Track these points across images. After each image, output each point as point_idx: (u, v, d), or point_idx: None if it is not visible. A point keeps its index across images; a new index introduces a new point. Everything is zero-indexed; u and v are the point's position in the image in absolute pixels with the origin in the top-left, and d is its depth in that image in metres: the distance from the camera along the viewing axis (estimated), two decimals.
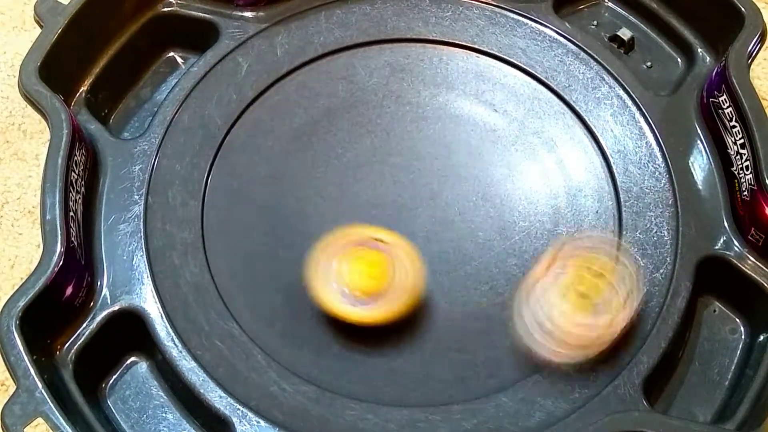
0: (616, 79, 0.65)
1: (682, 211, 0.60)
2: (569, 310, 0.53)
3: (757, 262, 0.58)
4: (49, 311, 0.55)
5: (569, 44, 0.67)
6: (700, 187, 0.62)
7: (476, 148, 0.64)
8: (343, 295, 0.56)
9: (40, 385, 0.51)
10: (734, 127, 0.60)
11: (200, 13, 0.68)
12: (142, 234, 0.60)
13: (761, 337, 0.59)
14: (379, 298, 0.56)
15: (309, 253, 0.57)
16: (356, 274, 0.56)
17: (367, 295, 0.56)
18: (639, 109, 0.64)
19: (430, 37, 0.68)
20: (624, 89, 0.65)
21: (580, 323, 0.53)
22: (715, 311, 0.60)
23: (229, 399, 0.55)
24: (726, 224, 0.60)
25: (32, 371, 0.52)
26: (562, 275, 0.54)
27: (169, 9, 0.68)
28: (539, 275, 0.55)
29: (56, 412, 0.51)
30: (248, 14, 0.68)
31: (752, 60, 0.62)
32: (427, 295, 0.59)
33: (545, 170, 0.63)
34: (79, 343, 0.56)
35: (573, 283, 0.54)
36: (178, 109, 0.64)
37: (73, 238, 0.57)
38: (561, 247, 0.55)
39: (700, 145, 0.63)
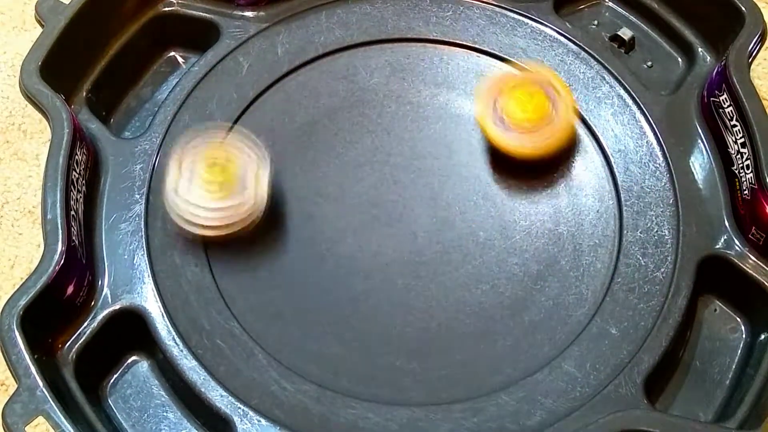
0: (616, 78, 0.65)
1: (683, 211, 0.60)
2: (207, 198, 0.58)
3: (758, 261, 0.58)
4: (50, 310, 0.55)
5: (570, 44, 0.67)
6: (701, 186, 0.62)
7: (477, 148, 0.64)
8: (501, 122, 0.60)
9: (41, 383, 0.51)
10: (735, 126, 0.60)
11: (201, 13, 0.68)
12: (143, 233, 0.60)
13: (762, 337, 0.59)
14: (534, 131, 0.60)
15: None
16: (516, 104, 0.60)
17: (521, 125, 0.60)
18: (639, 108, 0.64)
19: (431, 37, 0.68)
20: (624, 89, 0.65)
21: (218, 207, 0.58)
22: (715, 310, 0.60)
23: (230, 398, 0.55)
24: (727, 223, 0.60)
25: (33, 370, 0.52)
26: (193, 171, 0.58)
27: (169, 8, 0.68)
28: (176, 177, 0.58)
29: (57, 411, 0.51)
30: (249, 14, 0.68)
31: (753, 59, 0.62)
32: (428, 294, 0.59)
33: (546, 169, 0.63)
34: (80, 342, 0.56)
35: (203, 174, 0.58)
36: (179, 109, 0.64)
37: (74, 237, 0.57)
38: (182, 152, 0.59)
39: (701, 145, 0.63)
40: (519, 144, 0.61)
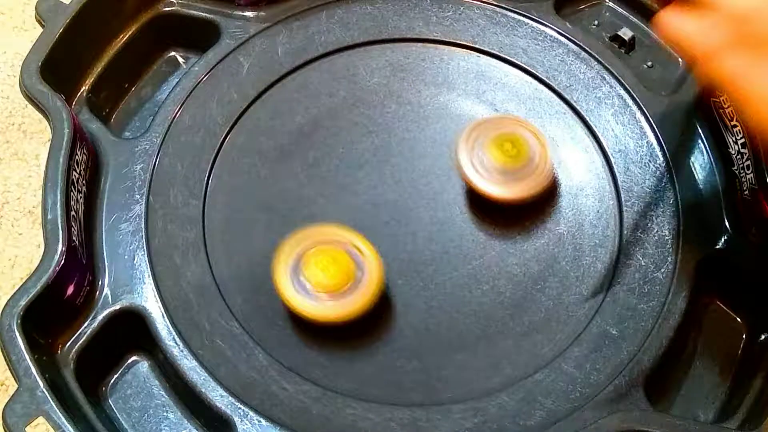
0: (617, 78, 0.65)
1: (683, 211, 0.60)
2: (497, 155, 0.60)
3: (758, 262, 0.58)
4: (50, 310, 0.55)
5: (570, 44, 0.67)
6: (701, 186, 0.62)
7: None
8: (304, 290, 0.56)
9: (41, 384, 0.51)
10: (735, 126, 0.60)
11: (201, 13, 0.68)
12: (143, 233, 0.60)
13: (762, 337, 0.59)
14: (339, 297, 0.56)
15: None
16: (318, 270, 0.56)
17: (326, 291, 0.56)
18: (640, 108, 0.64)
19: (431, 37, 0.68)
20: (625, 89, 0.65)
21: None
22: (715, 310, 0.60)
23: (230, 398, 0.55)
24: (727, 223, 0.60)
25: (34, 370, 0.52)
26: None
27: (170, 8, 0.68)
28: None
29: (57, 412, 0.51)
30: (249, 14, 0.68)
31: None
32: (428, 294, 0.59)
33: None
34: (80, 342, 0.56)
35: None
36: (180, 109, 0.64)
37: (74, 237, 0.57)
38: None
39: (701, 145, 0.63)
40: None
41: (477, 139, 0.60)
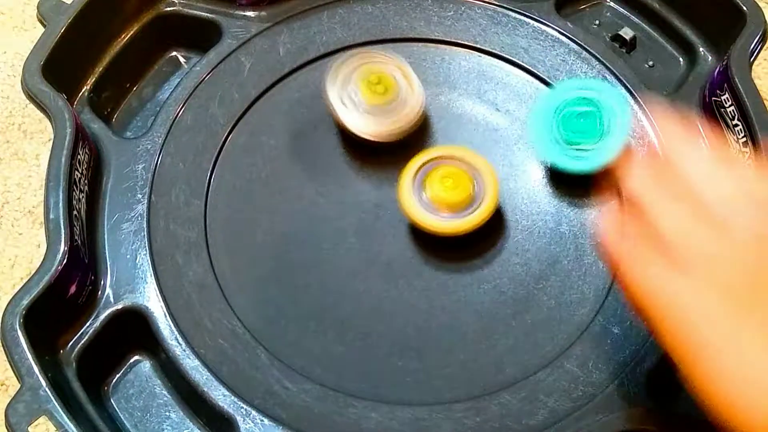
0: (618, 78, 0.66)
1: None
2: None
3: None
4: (52, 310, 0.55)
5: (571, 44, 0.67)
6: None
7: (478, 148, 0.64)
8: (427, 207, 0.58)
9: (44, 383, 0.51)
10: (736, 125, 0.60)
11: (203, 13, 0.68)
12: (145, 233, 0.60)
13: None
14: (461, 210, 0.58)
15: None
16: (438, 189, 0.58)
17: (449, 208, 0.58)
18: (641, 108, 0.64)
19: (433, 37, 0.68)
20: (626, 88, 0.65)
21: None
22: None
23: (232, 397, 0.55)
24: None
25: (36, 369, 0.52)
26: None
27: (171, 8, 0.68)
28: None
29: (60, 411, 0.51)
30: (251, 14, 0.68)
31: (754, 59, 0.62)
32: (430, 294, 0.59)
33: (547, 169, 0.63)
34: (82, 341, 0.56)
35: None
36: (181, 108, 0.65)
37: (76, 237, 0.57)
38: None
39: (702, 144, 0.63)
40: (445, 225, 0.59)
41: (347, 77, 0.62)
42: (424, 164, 0.60)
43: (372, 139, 0.61)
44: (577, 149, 0.60)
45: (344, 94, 0.61)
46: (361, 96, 0.61)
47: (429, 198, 0.59)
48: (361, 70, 0.62)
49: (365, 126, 0.61)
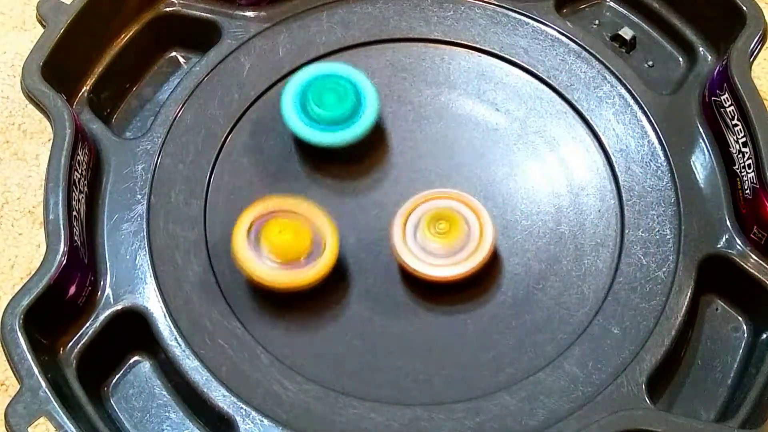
0: (617, 78, 0.65)
1: (685, 210, 0.61)
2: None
3: (760, 261, 0.59)
4: (52, 311, 0.55)
5: (571, 43, 0.67)
6: (702, 185, 0.62)
7: (478, 148, 0.64)
8: (262, 258, 0.57)
9: (43, 384, 0.51)
10: (736, 125, 0.60)
11: (202, 13, 0.68)
12: (144, 233, 0.60)
13: (764, 336, 0.59)
14: (297, 263, 0.57)
15: None
16: (274, 236, 0.57)
17: (284, 257, 0.57)
18: (641, 108, 0.64)
19: (432, 37, 0.68)
20: (626, 88, 0.65)
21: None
22: (717, 309, 0.60)
23: (232, 398, 0.55)
24: (728, 223, 0.60)
25: (36, 370, 0.52)
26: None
27: (171, 9, 0.68)
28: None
29: (60, 412, 0.51)
30: (250, 14, 0.68)
31: (754, 59, 0.62)
32: (429, 294, 0.59)
33: (547, 169, 0.63)
34: (82, 342, 0.56)
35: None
36: (181, 109, 0.64)
37: (76, 238, 0.57)
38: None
39: (702, 144, 0.63)
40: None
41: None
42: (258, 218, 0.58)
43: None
44: (326, 123, 0.61)
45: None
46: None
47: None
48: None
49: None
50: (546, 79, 0.66)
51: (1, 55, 0.77)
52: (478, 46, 0.67)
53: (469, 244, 0.58)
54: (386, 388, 0.57)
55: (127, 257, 0.59)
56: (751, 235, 0.59)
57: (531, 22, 0.68)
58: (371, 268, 0.60)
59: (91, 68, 0.66)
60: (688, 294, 0.58)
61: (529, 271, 0.60)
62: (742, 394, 0.56)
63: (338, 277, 0.60)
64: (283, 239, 0.57)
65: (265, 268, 0.57)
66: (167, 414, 0.57)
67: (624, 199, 0.62)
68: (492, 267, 0.60)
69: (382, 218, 0.62)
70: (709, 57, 0.67)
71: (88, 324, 0.57)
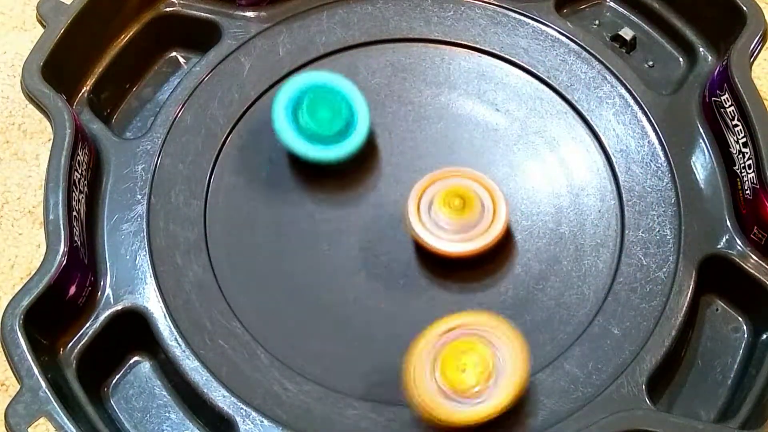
0: (618, 78, 0.65)
1: (685, 210, 0.61)
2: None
3: (760, 261, 0.59)
4: (52, 311, 0.55)
5: (571, 44, 0.67)
6: (703, 186, 0.62)
7: (478, 148, 0.64)
8: (444, 394, 0.52)
9: (43, 384, 0.51)
10: (736, 125, 0.60)
11: (202, 13, 0.68)
12: (145, 233, 0.60)
13: (764, 336, 0.59)
14: (483, 394, 0.52)
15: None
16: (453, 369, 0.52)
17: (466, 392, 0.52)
18: (641, 108, 0.64)
19: (432, 37, 0.68)
20: (626, 88, 0.65)
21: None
22: (717, 310, 0.60)
23: (232, 398, 0.55)
24: (728, 223, 0.60)
25: (36, 371, 0.52)
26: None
27: (171, 9, 0.68)
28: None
29: (60, 412, 0.51)
30: (250, 14, 0.68)
31: (754, 59, 0.62)
32: (430, 294, 0.59)
33: (547, 169, 0.63)
34: (82, 342, 0.56)
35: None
36: (181, 109, 0.64)
37: (76, 238, 0.57)
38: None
39: (702, 144, 0.63)
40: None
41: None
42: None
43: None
44: (318, 137, 0.61)
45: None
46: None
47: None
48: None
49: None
50: (546, 79, 0.66)
51: (1, 55, 0.77)
52: (478, 46, 0.67)
53: (483, 220, 0.58)
54: (387, 389, 0.56)
55: (127, 257, 0.59)
56: (751, 236, 0.59)
57: (531, 22, 0.68)
58: (371, 268, 0.60)
59: (91, 68, 0.66)
60: (688, 294, 0.58)
61: (529, 272, 0.60)
62: (742, 394, 0.56)
63: (338, 277, 0.60)
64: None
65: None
66: (167, 414, 0.57)
67: (624, 199, 0.62)
68: (492, 266, 0.60)
69: (383, 217, 0.62)
70: (709, 57, 0.67)
71: (88, 324, 0.57)
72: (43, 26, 0.63)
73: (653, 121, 0.64)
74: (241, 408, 0.55)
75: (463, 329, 0.53)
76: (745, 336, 0.59)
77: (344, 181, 0.63)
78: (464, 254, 0.58)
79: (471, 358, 0.52)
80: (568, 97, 0.65)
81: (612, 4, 0.71)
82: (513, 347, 0.53)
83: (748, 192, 0.59)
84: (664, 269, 0.59)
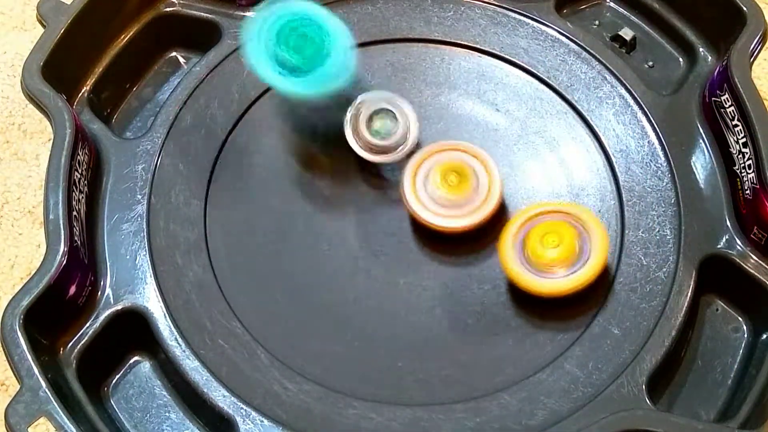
0: (618, 78, 0.65)
1: (685, 210, 0.61)
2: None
3: (760, 261, 0.58)
4: (52, 310, 0.55)
5: (571, 44, 0.67)
6: (703, 186, 0.62)
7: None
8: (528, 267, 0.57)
9: (44, 384, 0.51)
10: (736, 126, 0.60)
11: (202, 13, 0.68)
12: (145, 233, 0.60)
13: (764, 336, 0.59)
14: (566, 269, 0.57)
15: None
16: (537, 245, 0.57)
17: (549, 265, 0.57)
18: (641, 108, 0.64)
19: (432, 37, 0.68)
20: (626, 89, 0.65)
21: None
22: (717, 310, 0.60)
23: (232, 398, 0.55)
24: (728, 223, 0.60)
25: (36, 370, 0.52)
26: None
27: (171, 9, 0.68)
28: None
29: (60, 412, 0.51)
30: (250, 14, 0.68)
31: (754, 59, 0.62)
32: (431, 294, 0.59)
33: (547, 170, 0.63)
34: (82, 342, 0.56)
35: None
36: (181, 109, 0.65)
37: (76, 238, 0.57)
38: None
39: (702, 144, 0.63)
40: (552, 286, 0.57)
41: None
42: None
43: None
44: (295, 70, 0.59)
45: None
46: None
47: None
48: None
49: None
50: (546, 79, 0.66)
51: (1, 55, 0.77)
52: (478, 46, 0.67)
53: (478, 195, 0.59)
54: (386, 388, 0.57)
55: (127, 257, 0.59)
56: (751, 236, 0.59)
57: (531, 22, 0.68)
58: (371, 268, 0.60)
59: (91, 68, 0.66)
60: (688, 294, 0.58)
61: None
62: (742, 394, 0.56)
63: (338, 277, 0.60)
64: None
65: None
66: (167, 414, 0.57)
67: (624, 199, 0.62)
68: (491, 266, 0.60)
69: (383, 217, 0.62)
70: (709, 57, 0.67)
71: (88, 324, 0.57)
72: (43, 26, 0.63)
73: (653, 121, 0.64)
74: (241, 408, 0.55)
75: (552, 215, 0.58)
76: (745, 336, 0.59)
77: (344, 181, 0.63)
78: (457, 229, 0.59)
79: (554, 238, 0.57)
80: (568, 97, 0.65)
81: (612, 4, 0.71)
82: (597, 234, 0.57)
83: (748, 192, 0.59)
84: (664, 269, 0.59)
